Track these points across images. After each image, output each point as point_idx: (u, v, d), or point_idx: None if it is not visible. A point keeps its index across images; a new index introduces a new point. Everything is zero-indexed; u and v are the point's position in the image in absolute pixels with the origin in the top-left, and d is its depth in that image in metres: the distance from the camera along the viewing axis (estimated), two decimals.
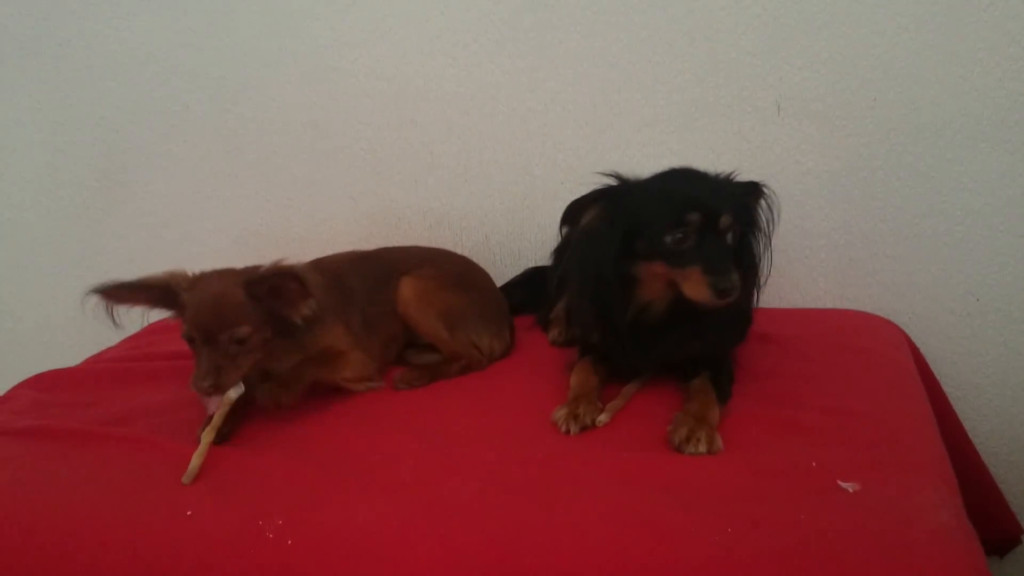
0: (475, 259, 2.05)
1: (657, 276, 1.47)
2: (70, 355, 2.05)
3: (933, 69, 1.85)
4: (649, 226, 1.44)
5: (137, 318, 1.59)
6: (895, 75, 1.87)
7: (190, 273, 1.53)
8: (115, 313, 1.49)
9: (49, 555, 1.19)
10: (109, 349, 2.08)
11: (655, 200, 1.46)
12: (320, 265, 1.79)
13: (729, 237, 1.45)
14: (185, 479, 1.31)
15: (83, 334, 2.42)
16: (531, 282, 2.13)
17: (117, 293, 1.48)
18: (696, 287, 1.39)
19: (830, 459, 1.25)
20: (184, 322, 1.47)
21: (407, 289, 1.79)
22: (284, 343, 1.54)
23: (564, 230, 2.00)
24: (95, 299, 1.46)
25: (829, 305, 2.06)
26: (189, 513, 1.21)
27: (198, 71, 2.25)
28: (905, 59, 1.86)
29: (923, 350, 1.91)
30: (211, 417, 1.43)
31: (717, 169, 1.53)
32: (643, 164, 1.97)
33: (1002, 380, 2.00)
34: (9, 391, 1.77)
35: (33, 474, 1.37)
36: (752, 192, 1.54)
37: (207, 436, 1.39)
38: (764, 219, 1.54)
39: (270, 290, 1.45)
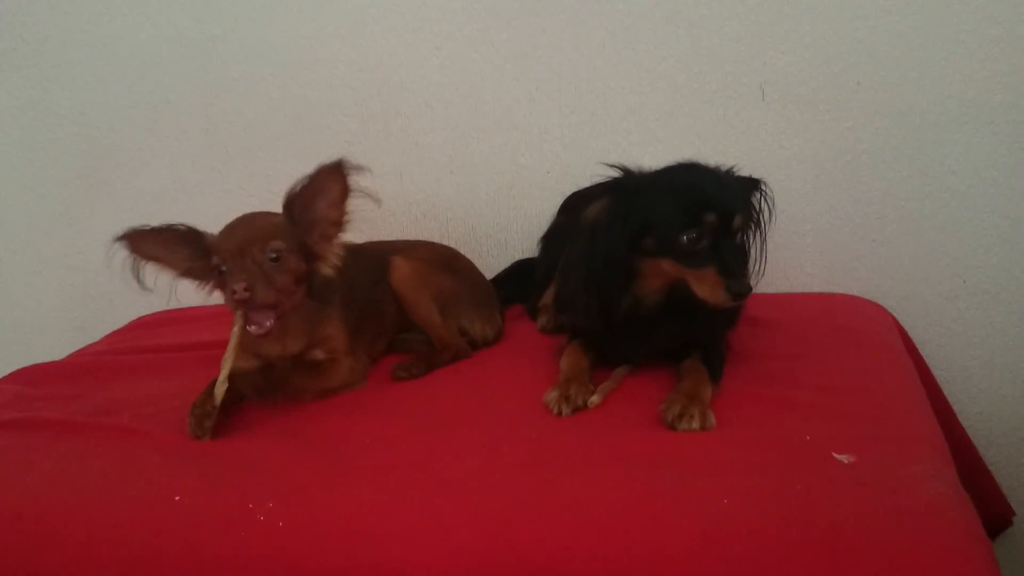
0: (462, 250, 2.04)
1: (662, 272, 1.46)
2: (52, 353, 2.02)
3: (916, 51, 1.86)
4: (662, 224, 1.42)
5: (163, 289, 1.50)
6: (878, 58, 1.88)
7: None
8: (142, 271, 1.43)
9: (36, 544, 1.17)
10: (92, 344, 2.05)
11: (669, 198, 1.43)
12: None
13: (739, 237, 1.45)
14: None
15: (65, 333, 2.41)
16: (519, 274, 2.12)
17: (143, 241, 1.42)
18: (710, 289, 1.38)
19: (824, 433, 1.24)
20: (214, 254, 1.41)
21: (402, 266, 1.76)
22: (295, 320, 1.51)
23: (558, 218, 2.01)
24: (123, 250, 1.40)
25: (816, 290, 2.05)
26: (177, 498, 1.19)
27: (179, 65, 2.23)
28: (888, 42, 1.87)
29: (911, 333, 1.91)
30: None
31: (713, 161, 1.51)
32: (629, 151, 2.00)
33: (990, 361, 2.00)
34: None
35: (18, 465, 1.35)
36: (752, 188, 1.54)
37: (226, 365, 1.39)
38: (761, 214, 1.54)
39: (308, 200, 1.44)
